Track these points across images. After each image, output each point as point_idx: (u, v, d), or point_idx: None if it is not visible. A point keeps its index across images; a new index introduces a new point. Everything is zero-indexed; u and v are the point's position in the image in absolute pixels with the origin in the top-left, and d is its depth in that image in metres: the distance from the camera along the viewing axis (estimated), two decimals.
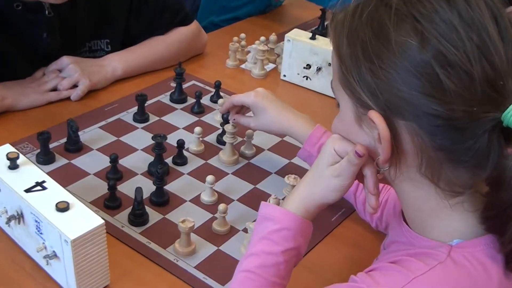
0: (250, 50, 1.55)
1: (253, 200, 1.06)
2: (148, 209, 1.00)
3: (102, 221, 0.82)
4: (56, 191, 0.86)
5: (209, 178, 1.03)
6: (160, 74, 1.45)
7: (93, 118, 1.25)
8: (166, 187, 1.06)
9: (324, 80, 1.41)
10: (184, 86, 1.38)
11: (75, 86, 1.31)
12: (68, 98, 1.31)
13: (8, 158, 0.88)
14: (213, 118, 1.30)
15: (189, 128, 1.24)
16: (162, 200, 1.03)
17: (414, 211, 0.72)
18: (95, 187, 1.05)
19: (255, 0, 1.88)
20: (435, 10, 0.62)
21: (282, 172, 1.14)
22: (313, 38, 1.41)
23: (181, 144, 1.13)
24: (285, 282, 0.76)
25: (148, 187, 1.04)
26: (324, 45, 1.39)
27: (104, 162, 1.11)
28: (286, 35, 1.44)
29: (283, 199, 1.03)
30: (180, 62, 1.35)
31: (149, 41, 1.46)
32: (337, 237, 1.01)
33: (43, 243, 0.85)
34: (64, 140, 1.15)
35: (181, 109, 1.32)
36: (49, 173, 1.04)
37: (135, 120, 1.26)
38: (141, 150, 1.17)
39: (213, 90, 1.37)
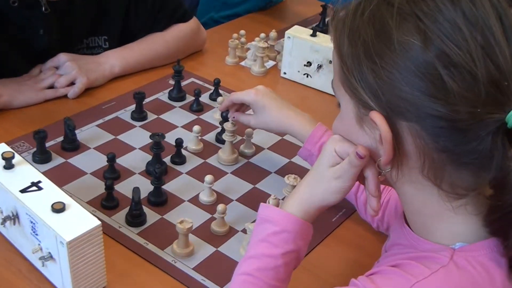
0: (250, 47, 1.53)
1: (253, 200, 1.05)
2: (145, 209, 0.99)
3: (99, 222, 0.81)
4: (52, 192, 0.85)
5: (208, 177, 1.02)
6: (159, 71, 1.44)
7: (91, 116, 1.24)
8: (164, 187, 1.04)
9: (325, 78, 1.40)
10: (183, 83, 1.36)
11: (72, 83, 1.30)
12: (65, 96, 1.30)
13: (3, 158, 0.88)
14: (212, 116, 1.28)
15: (188, 127, 1.23)
16: (160, 200, 1.02)
17: (416, 213, 0.71)
18: (92, 187, 1.04)
19: None
20: (438, 9, 0.61)
21: (282, 171, 1.13)
22: (313, 35, 1.40)
23: (179, 143, 1.11)
24: (284, 285, 0.75)
25: (146, 186, 1.03)
26: (325, 42, 1.37)
27: (101, 161, 1.10)
28: (287, 32, 1.42)
29: (283, 199, 1.02)
30: (178, 59, 1.34)
31: (147, 38, 1.45)
32: (337, 238, 1.00)
33: (39, 244, 0.84)
34: (61, 138, 1.14)
35: (180, 107, 1.31)
36: (45, 172, 1.04)
37: (133, 118, 1.24)
38: (139, 149, 1.16)
39: (212, 87, 1.36)
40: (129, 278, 0.89)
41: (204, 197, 1.04)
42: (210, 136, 1.22)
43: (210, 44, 1.59)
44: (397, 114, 0.64)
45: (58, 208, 0.81)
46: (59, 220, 0.80)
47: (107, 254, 0.84)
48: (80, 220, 0.81)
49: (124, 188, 1.04)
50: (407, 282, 0.64)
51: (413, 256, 0.69)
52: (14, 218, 0.86)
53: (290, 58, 1.44)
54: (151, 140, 1.09)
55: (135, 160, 1.12)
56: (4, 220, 0.87)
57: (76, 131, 1.15)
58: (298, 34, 1.41)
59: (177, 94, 1.33)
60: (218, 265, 0.92)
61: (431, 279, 0.63)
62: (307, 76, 1.43)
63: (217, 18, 1.90)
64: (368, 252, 0.97)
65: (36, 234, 0.83)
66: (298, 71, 1.44)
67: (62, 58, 1.31)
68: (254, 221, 0.81)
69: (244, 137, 1.18)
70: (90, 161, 1.11)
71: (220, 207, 0.96)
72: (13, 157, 0.88)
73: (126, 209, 0.99)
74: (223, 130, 1.16)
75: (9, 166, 0.88)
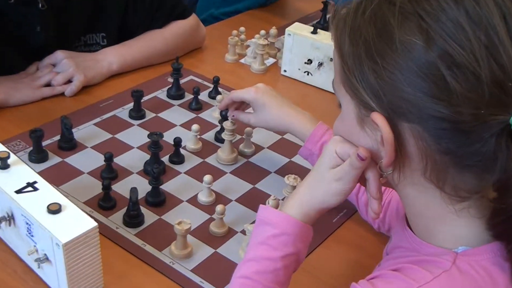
0: (249, 44, 1.52)
1: (252, 200, 1.04)
2: (143, 209, 0.98)
3: (95, 224, 0.80)
4: (48, 192, 0.84)
5: (207, 177, 1.00)
6: (157, 69, 1.43)
7: (88, 115, 1.23)
8: (162, 187, 1.03)
9: (326, 76, 1.38)
10: (182, 81, 1.35)
11: (69, 81, 1.29)
12: (62, 94, 1.28)
13: None
14: (211, 115, 1.27)
15: (187, 125, 1.22)
16: (158, 200, 1.01)
17: (418, 216, 0.70)
18: (89, 187, 1.03)
19: None
20: (441, 8, 0.59)
21: (282, 171, 1.12)
22: (314, 32, 1.38)
23: (178, 142, 1.10)
24: None
25: (144, 186, 1.02)
26: (326, 39, 1.36)
27: (98, 160, 1.08)
28: (287, 29, 1.41)
29: (282, 199, 1.01)
30: (177, 56, 1.33)
31: (146, 35, 1.43)
32: (338, 239, 0.99)
33: (35, 246, 0.83)
34: (58, 137, 1.13)
35: (179, 105, 1.30)
36: (41, 172, 1.03)
37: (131, 116, 1.23)
38: (137, 148, 1.14)
39: (212, 85, 1.34)
40: (126, 280, 0.88)
41: (203, 197, 1.03)
42: (209, 135, 1.21)
43: (210, 41, 1.58)
44: (398, 115, 0.62)
45: (54, 209, 0.80)
46: (55, 221, 0.79)
47: (104, 255, 0.83)
48: (76, 222, 0.79)
49: (121, 188, 1.03)
50: (409, 287, 0.63)
51: (415, 260, 0.68)
52: (9, 219, 0.85)
53: (291, 55, 1.42)
54: (149, 139, 1.08)
55: (133, 159, 1.11)
56: (0, 221, 0.86)
57: (73, 130, 1.14)
58: (298, 31, 1.39)
59: (176, 92, 1.32)
60: (216, 267, 0.91)
61: (433, 284, 0.62)
62: (308, 74, 1.42)
63: (217, 15, 1.89)
64: (369, 253, 0.96)
65: (32, 236, 0.82)
66: (299, 69, 1.43)
67: (59, 55, 1.29)
68: (253, 222, 0.80)
69: (243, 136, 1.17)
70: (87, 160, 1.09)
71: (219, 208, 0.95)
72: (8, 157, 0.87)
73: (124, 210, 0.98)
74: (222, 129, 1.14)
75: (4, 166, 0.87)
